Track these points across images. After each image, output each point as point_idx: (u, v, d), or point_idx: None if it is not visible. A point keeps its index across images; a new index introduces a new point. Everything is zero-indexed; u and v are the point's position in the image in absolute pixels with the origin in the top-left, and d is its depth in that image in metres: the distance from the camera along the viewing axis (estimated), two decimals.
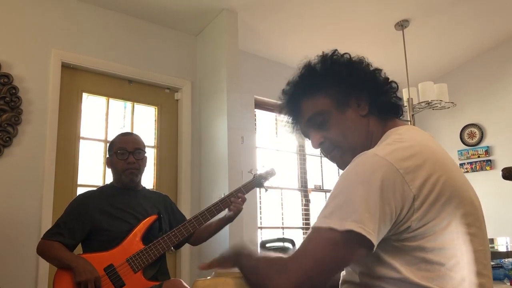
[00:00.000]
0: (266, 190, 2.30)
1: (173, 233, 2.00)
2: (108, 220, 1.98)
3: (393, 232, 0.84)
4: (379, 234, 0.80)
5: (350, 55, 1.09)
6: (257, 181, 2.25)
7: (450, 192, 0.85)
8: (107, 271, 1.86)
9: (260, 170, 2.30)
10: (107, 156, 2.18)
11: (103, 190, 2.13)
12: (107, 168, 2.22)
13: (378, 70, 1.09)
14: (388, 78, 1.10)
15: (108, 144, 2.23)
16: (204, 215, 2.07)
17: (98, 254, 1.90)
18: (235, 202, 2.10)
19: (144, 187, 2.23)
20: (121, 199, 2.07)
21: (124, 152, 2.08)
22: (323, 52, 1.11)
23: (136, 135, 2.21)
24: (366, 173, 0.83)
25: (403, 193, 0.81)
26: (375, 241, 0.79)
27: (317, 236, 0.82)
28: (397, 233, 0.83)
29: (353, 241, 0.79)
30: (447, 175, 0.86)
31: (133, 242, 1.95)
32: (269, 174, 2.29)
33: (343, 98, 1.04)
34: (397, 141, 0.93)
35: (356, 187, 0.82)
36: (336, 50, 1.09)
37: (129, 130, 3.06)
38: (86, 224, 1.97)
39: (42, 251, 1.93)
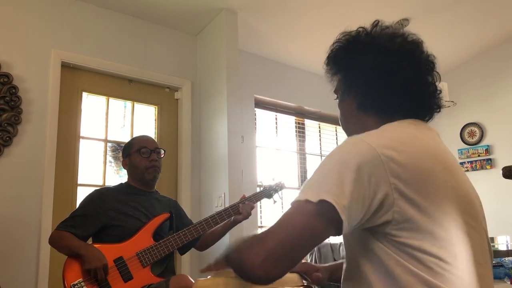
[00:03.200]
0: (275, 202, 2.36)
1: (183, 233, 2.03)
2: (121, 217, 2.01)
3: (376, 223, 0.83)
4: (351, 214, 0.79)
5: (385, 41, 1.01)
6: (267, 193, 2.31)
7: (438, 192, 0.84)
8: (116, 263, 1.88)
9: (270, 182, 2.36)
10: (123, 158, 2.20)
11: (119, 188, 2.16)
12: (122, 169, 2.26)
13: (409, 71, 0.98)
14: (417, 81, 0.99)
15: (123, 148, 2.27)
16: (214, 219, 2.10)
17: (109, 245, 1.92)
18: (246, 207, 2.14)
19: (157, 191, 2.27)
20: (135, 198, 2.11)
21: (146, 149, 2.14)
22: (360, 29, 1.05)
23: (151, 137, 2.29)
24: (347, 153, 0.84)
25: (380, 178, 0.81)
26: (344, 217, 0.78)
27: (294, 209, 0.83)
28: (380, 224, 0.83)
29: (326, 212, 0.79)
30: (437, 175, 0.85)
31: (144, 237, 1.98)
32: (279, 186, 2.36)
33: (345, 86, 1.07)
34: (389, 130, 0.93)
35: (334, 165, 0.84)
36: (364, 31, 1.04)
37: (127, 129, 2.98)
38: (99, 219, 1.99)
39: (53, 240, 1.96)
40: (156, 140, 2.27)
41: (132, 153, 2.15)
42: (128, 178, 2.20)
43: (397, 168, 0.82)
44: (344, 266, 0.98)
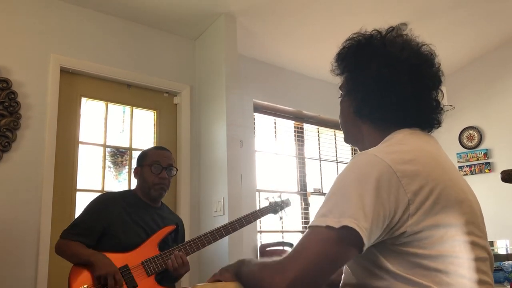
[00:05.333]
0: (280, 218, 2.38)
1: (188, 244, 2.03)
2: (120, 229, 2.00)
3: (388, 236, 0.83)
4: (371, 235, 0.80)
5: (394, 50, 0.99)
6: (273, 208, 2.33)
7: (447, 201, 0.84)
8: (121, 271, 1.88)
9: (276, 199, 2.39)
10: (136, 166, 2.19)
11: (124, 196, 2.14)
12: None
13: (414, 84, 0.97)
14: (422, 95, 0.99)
15: (138, 155, 2.25)
16: (220, 231, 2.10)
17: (115, 254, 1.92)
18: (176, 259, 1.95)
19: (164, 205, 2.25)
20: (138, 211, 2.09)
21: (158, 166, 2.11)
22: (374, 32, 1.04)
23: (169, 151, 2.23)
24: (363, 172, 0.83)
25: (398, 195, 0.81)
26: (366, 240, 0.78)
27: (314, 235, 0.82)
28: (393, 237, 0.83)
29: (348, 237, 0.78)
30: (445, 184, 0.85)
31: (150, 247, 1.99)
32: (285, 203, 2.39)
33: (347, 88, 1.07)
34: (398, 144, 0.93)
35: (352, 186, 0.82)
36: (379, 35, 1.03)
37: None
38: (102, 224, 1.99)
39: (61, 250, 1.96)
40: (172, 157, 2.19)
41: (145, 165, 2.13)
42: (136, 187, 2.19)
43: (411, 182, 0.82)
44: (344, 276, 0.98)
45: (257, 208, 3.73)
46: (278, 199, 2.38)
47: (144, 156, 2.18)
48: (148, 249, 1.98)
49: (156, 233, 2.03)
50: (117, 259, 1.90)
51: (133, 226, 2.02)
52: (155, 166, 2.11)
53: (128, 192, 2.20)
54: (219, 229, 2.10)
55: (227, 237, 2.88)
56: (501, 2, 3.59)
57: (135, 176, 2.19)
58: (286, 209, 2.40)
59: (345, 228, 0.78)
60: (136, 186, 2.20)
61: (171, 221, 2.18)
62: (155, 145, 2.31)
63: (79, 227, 1.98)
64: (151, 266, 1.93)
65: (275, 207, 2.34)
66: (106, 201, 2.07)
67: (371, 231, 0.79)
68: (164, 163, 2.13)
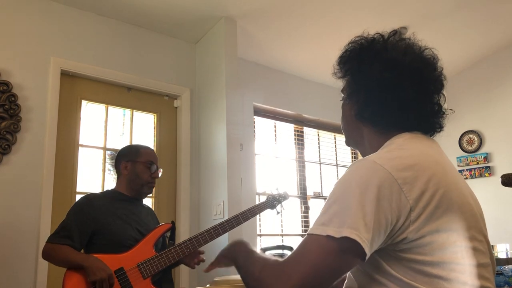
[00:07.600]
0: (278, 213, 2.36)
1: (184, 244, 2.01)
2: (111, 223, 1.98)
3: (390, 242, 0.83)
4: (372, 244, 0.79)
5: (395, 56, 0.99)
6: (270, 203, 2.31)
7: (449, 206, 0.83)
8: (117, 274, 1.86)
9: (273, 192, 2.36)
10: (125, 161, 2.15)
11: (106, 194, 2.14)
12: (121, 173, 2.17)
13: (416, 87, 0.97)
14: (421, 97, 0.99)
15: (125, 150, 2.25)
16: (216, 230, 2.08)
17: (109, 255, 1.89)
18: (192, 258, 2.08)
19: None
20: (124, 204, 2.09)
21: (153, 165, 2.15)
22: (377, 36, 1.04)
23: None
24: (364, 180, 0.82)
25: (399, 203, 0.80)
26: (368, 251, 0.78)
27: (315, 243, 0.81)
28: (393, 243, 0.82)
29: (349, 248, 0.78)
30: (447, 188, 0.84)
31: (145, 248, 1.97)
32: (282, 197, 2.36)
33: (348, 91, 1.07)
34: (398, 149, 0.92)
35: (353, 194, 0.81)
36: (380, 40, 1.03)
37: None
38: (90, 225, 1.96)
39: (49, 255, 1.92)
40: (155, 148, 2.27)
41: (138, 162, 2.13)
42: (119, 184, 2.16)
43: (412, 188, 0.81)
44: (346, 281, 0.98)
45: None
46: (275, 192, 2.36)
47: (136, 153, 2.17)
48: (144, 250, 1.96)
49: (151, 232, 2.01)
50: (112, 261, 1.88)
51: (121, 218, 2.01)
52: (152, 165, 2.15)
53: (108, 191, 2.18)
54: (216, 227, 2.08)
55: (226, 241, 2.88)
56: (500, 6, 3.60)
57: (123, 171, 2.14)
58: (283, 203, 2.36)
59: (345, 239, 0.77)
60: (119, 183, 2.17)
61: (150, 212, 2.23)
62: (146, 146, 2.29)
63: (66, 229, 1.93)
64: (147, 268, 1.91)
65: (272, 202, 2.31)
66: (90, 202, 2.04)
67: (373, 240, 0.79)
68: (157, 163, 2.19)
